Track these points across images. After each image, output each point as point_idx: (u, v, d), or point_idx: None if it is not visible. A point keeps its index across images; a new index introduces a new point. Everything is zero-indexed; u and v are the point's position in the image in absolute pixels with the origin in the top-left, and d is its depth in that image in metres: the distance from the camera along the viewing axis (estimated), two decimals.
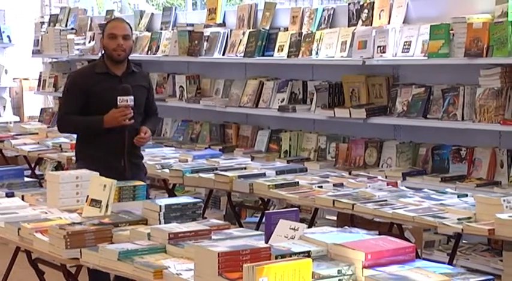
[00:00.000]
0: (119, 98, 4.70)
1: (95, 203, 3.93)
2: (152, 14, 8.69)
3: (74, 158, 6.52)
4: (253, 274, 2.61)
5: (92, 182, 4.04)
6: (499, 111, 5.28)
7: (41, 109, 10.04)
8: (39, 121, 9.52)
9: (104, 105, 4.73)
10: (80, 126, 4.88)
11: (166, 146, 6.94)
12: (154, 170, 5.77)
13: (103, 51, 4.97)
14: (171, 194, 6.08)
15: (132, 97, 4.75)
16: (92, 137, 4.83)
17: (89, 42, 9.07)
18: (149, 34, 8.22)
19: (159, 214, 3.68)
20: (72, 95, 4.88)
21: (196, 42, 7.47)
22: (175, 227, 3.42)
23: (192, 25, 7.67)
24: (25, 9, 11.47)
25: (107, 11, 9.39)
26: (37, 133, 7.94)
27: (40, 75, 9.93)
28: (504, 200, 3.90)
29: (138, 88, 4.88)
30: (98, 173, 4.21)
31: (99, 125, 4.74)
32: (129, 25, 4.97)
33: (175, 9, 8.42)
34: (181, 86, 7.74)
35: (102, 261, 3.32)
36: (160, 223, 3.65)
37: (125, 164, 4.81)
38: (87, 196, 3.99)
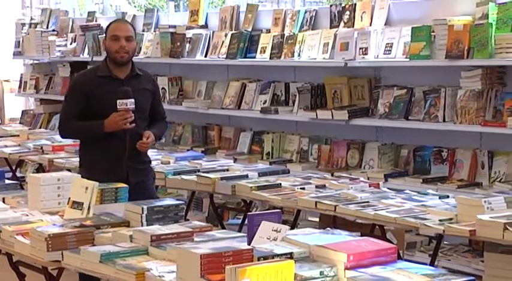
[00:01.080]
0: (118, 101, 4.57)
1: (76, 205, 3.91)
2: (134, 15, 8.67)
3: (56, 160, 6.54)
4: (236, 276, 2.61)
5: (74, 184, 4.02)
6: (480, 112, 5.32)
7: (22, 111, 9.99)
8: (20, 123, 9.48)
9: (106, 109, 4.59)
10: (81, 131, 4.76)
11: None
12: None
13: (106, 54, 4.80)
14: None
15: (132, 100, 4.59)
16: (93, 142, 4.71)
17: (71, 43, 9.05)
18: None
19: (141, 216, 3.68)
20: (73, 99, 4.75)
21: (178, 43, 7.46)
22: (158, 229, 3.41)
23: (174, 27, 7.66)
24: (6, 10, 11.41)
25: (89, 12, 9.36)
26: (18, 135, 7.91)
27: (21, 77, 9.88)
28: (485, 201, 3.92)
29: (142, 92, 4.73)
30: (100, 180, 4.09)
31: (100, 130, 4.62)
32: (133, 26, 4.84)
33: (157, 11, 8.41)
34: (163, 88, 7.72)
35: (83, 263, 3.31)
36: (142, 225, 3.64)
37: (126, 170, 4.65)
38: (69, 198, 3.98)
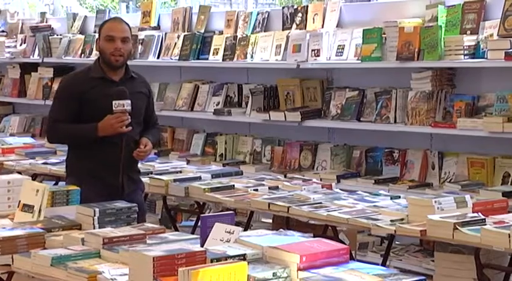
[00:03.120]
0: (114, 102, 4.20)
1: (27, 208, 3.86)
2: (85, 16, 8.60)
3: (6, 162, 6.43)
4: (189, 278, 2.60)
5: (24, 187, 3.97)
6: (430, 114, 5.38)
7: None
8: None
9: (99, 113, 4.23)
10: (71, 136, 4.37)
11: None
12: None
13: (99, 54, 4.46)
14: None
15: (129, 101, 4.24)
16: (85, 149, 4.33)
17: (20, 45, 8.94)
18: (82, 37, 8.13)
19: (93, 219, 3.64)
20: (63, 101, 4.37)
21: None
22: (110, 231, 3.39)
23: None
24: None
25: (40, 13, 9.26)
26: None
27: None
28: (435, 202, 3.97)
29: (137, 95, 4.39)
30: (92, 190, 3.99)
31: (93, 134, 4.24)
32: (129, 26, 4.45)
33: (109, 12, 8.36)
34: None
35: (34, 267, 3.27)
36: (94, 228, 3.60)
37: (122, 180, 4.33)
38: (19, 201, 3.92)
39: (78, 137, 4.36)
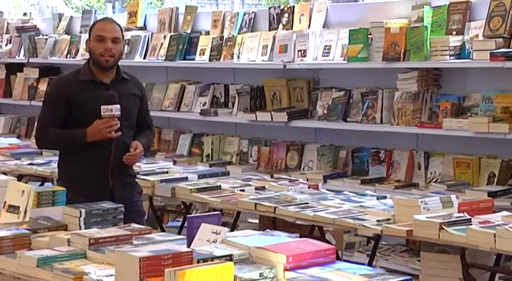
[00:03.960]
0: (102, 107, 4.10)
1: (12, 209, 3.84)
2: (71, 17, 8.57)
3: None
4: (175, 279, 2.60)
5: (10, 188, 3.95)
6: (416, 114, 5.40)
7: None
8: None
9: (89, 117, 4.14)
10: (60, 141, 4.27)
11: None
12: None
13: (89, 56, 4.36)
14: None
15: (118, 106, 4.13)
16: (74, 153, 4.25)
17: (6, 45, 8.90)
18: (68, 37, 8.11)
19: (79, 220, 3.63)
20: (51, 105, 4.28)
21: None
22: (96, 232, 3.38)
23: None
24: None
25: (24, 13, 9.23)
26: None
27: None
28: (421, 202, 3.98)
29: (129, 97, 4.28)
30: (81, 194, 3.95)
31: (82, 139, 4.16)
32: (120, 26, 4.36)
33: (95, 12, 8.33)
34: None
35: (20, 268, 3.25)
36: (80, 229, 3.59)
37: (112, 185, 4.24)
38: (5, 202, 3.90)
39: (67, 143, 4.28)
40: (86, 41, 4.41)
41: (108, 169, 4.23)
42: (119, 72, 4.32)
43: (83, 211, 3.64)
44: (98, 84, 4.24)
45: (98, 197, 3.94)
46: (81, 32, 8.09)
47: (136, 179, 4.53)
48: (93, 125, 4.15)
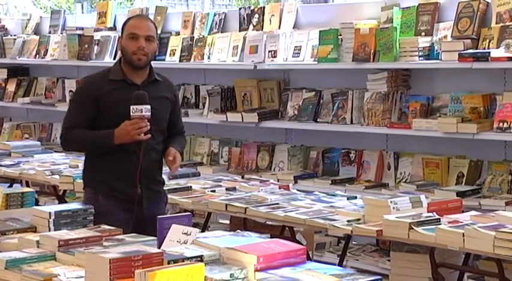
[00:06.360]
0: (132, 107, 3.83)
1: None
2: (40, 17, 8.51)
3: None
4: (146, 280, 2.59)
5: None
6: (386, 114, 5.44)
7: None
8: None
9: (117, 118, 3.87)
10: (86, 142, 4.01)
11: (56, 151, 6.79)
12: (44, 177, 5.65)
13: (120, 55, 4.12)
14: (62, 200, 5.96)
15: (148, 106, 3.85)
16: (101, 157, 4.00)
17: None
18: (37, 37, 8.05)
19: (48, 221, 3.61)
20: (79, 106, 4.01)
21: (86, 46, 7.36)
22: (66, 234, 3.36)
23: (82, 29, 7.56)
24: None
25: None
26: None
27: None
28: (391, 202, 4.01)
29: (160, 100, 4.03)
30: (108, 204, 3.86)
31: (109, 141, 3.89)
32: (154, 24, 4.12)
33: (64, 13, 8.28)
34: (71, 91, 7.60)
35: None
36: (50, 230, 3.57)
37: (141, 192, 3.98)
38: None
39: (94, 144, 4.01)
40: (118, 38, 4.17)
41: (137, 175, 3.97)
42: (152, 73, 4.09)
43: (52, 212, 3.61)
44: (128, 85, 3.99)
45: (126, 205, 3.89)
46: (50, 32, 8.03)
47: (164, 187, 4.23)
48: (121, 127, 3.88)
